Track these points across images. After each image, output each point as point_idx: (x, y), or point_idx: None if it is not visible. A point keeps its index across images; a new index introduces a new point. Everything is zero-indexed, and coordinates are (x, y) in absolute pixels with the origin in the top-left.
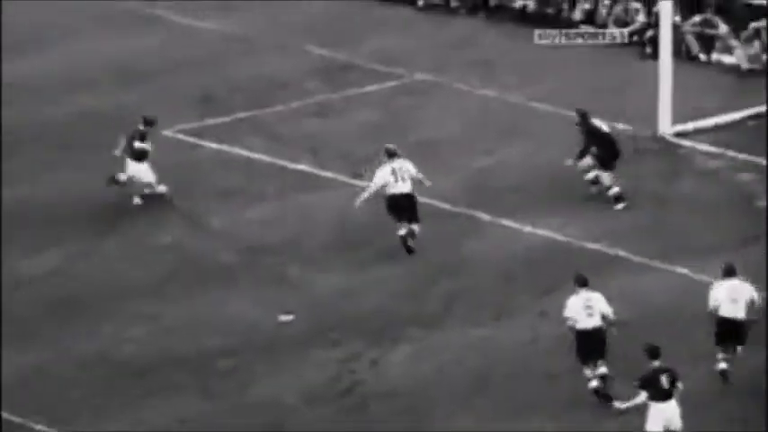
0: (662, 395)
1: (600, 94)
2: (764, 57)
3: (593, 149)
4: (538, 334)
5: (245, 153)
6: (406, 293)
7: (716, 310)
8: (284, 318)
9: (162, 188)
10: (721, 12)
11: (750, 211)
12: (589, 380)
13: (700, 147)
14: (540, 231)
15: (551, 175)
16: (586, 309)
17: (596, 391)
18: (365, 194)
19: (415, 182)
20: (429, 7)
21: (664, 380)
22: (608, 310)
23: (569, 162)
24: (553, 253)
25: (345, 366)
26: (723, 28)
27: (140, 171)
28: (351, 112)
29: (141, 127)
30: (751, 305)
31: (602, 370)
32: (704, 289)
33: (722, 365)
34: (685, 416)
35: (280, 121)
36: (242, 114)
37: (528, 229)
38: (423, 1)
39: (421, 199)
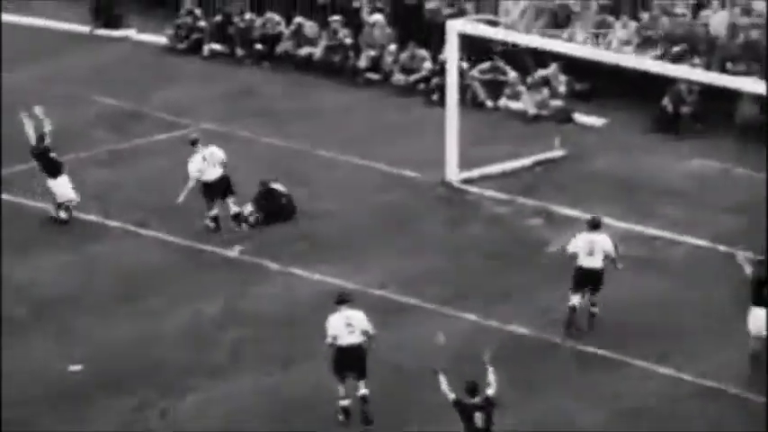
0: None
1: (387, 141)
2: (552, 103)
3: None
4: (325, 380)
5: (36, 204)
6: (195, 342)
7: (574, 258)
8: (74, 368)
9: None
10: (508, 58)
11: (536, 256)
12: (342, 398)
13: (487, 193)
14: (329, 279)
15: (340, 221)
16: (347, 326)
17: (344, 410)
18: (188, 187)
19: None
20: (215, 57)
21: (477, 417)
22: (369, 327)
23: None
24: None
25: (135, 416)
26: (511, 75)
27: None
28: (139, 161)
29: (42, 144)
30: (606, 257)
31: (363, 391)
32: (493, 334)
33: (574, 302)
34: None
35: (69, 170)
36: (32, 164)
37: (317, 276)
38: (209, 51)
39: (206, 247)
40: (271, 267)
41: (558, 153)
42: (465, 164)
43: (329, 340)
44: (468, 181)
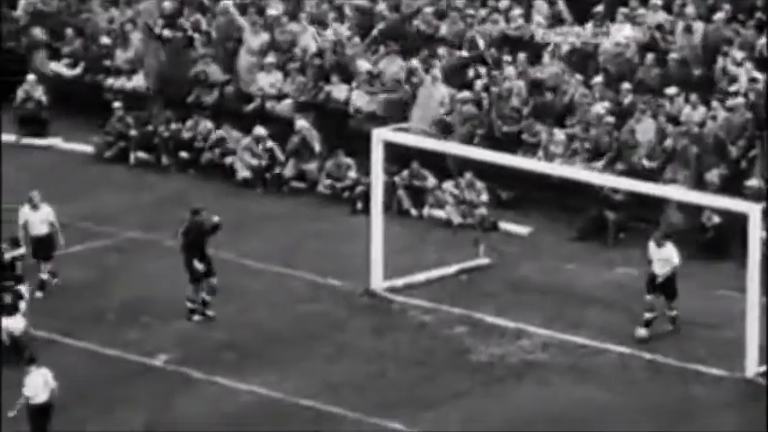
0: None
1: (312, 250)
2: (477, 211)
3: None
4: None
5: None
6: None
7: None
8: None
9: None
10: (429, 165)
11: (462, 364)
12: None
13: (412, 301)
14: (256, 388)
15: (266, 331)
16: (45, 384)
17: None
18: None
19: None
20: (140, 165)
21: None
22: (53, 383)
23: None
24: (267, 410)
25: None
26: (431, 181)
27: None
28: (62, 270)
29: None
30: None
31: None
32: None
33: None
34: None
35: None
36: None
37: (243, 386)
38: (135, 159)
39: (132, 357)
40: (196, 377)
41: (483, 261)
42: (390, 272)
43: (28, 401)
44: (392, 289)
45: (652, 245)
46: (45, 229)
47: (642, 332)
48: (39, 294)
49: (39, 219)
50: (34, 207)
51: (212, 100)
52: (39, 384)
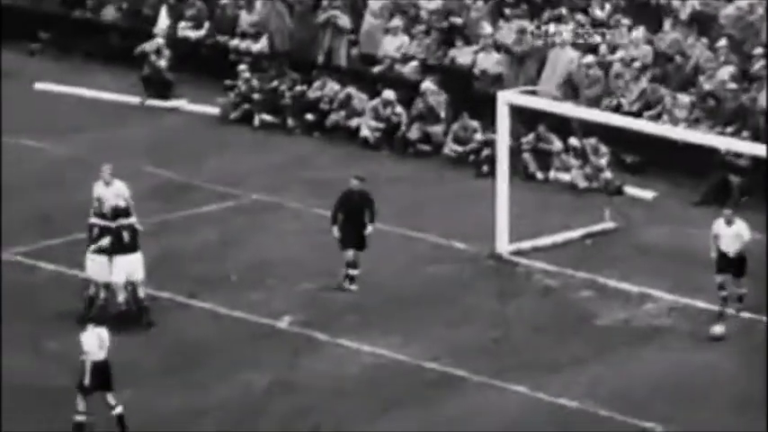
0: None
1: (437, 212)
2: (602, 175)
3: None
4: None
5: (82, 275)
6: (243, 413)
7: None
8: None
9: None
10: (554, 129)
11: (586, 329)
12: (79, 413)
13: (537, 265)
14: (379, 350)
15: (390, 293)
16: (100, 344)
17: (79, 425)
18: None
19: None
20: (265, 127)
21: None
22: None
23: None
24: (391, 372)
25: None
26: (557, 144)
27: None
28: (189, 232)
29: None
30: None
31: (119, 410)
32: (540, 406)
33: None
34: None
35: None
36: (79, 236)
37: (366, 348)
38: (260, 121)
39: (256, 319)
40: (320, 338)
41: (608, 225)
42: (515, 236)
43: (85, 357)
44: (517, 253)
45: (720, 222)
46: (119, 205)
47: (718, 329)
48: None
49: (112, 194)
50: (106, 183)
51: (343, 48)
52: (94, 342)
